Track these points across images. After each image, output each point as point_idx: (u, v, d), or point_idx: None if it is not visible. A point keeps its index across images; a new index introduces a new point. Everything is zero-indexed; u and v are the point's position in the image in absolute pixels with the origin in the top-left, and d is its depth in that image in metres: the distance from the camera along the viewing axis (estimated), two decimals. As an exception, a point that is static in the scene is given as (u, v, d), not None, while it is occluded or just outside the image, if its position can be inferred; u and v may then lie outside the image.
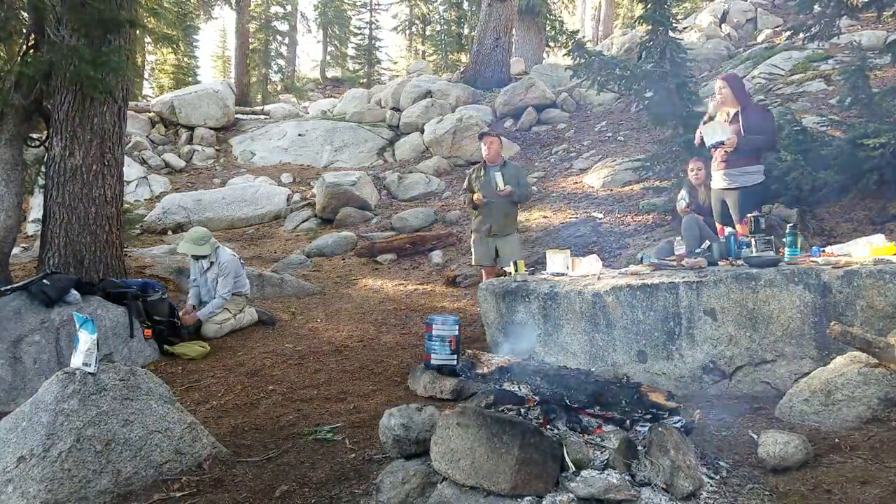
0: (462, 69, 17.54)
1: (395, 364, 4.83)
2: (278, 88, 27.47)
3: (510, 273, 4.89)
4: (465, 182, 6.08)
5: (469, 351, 3.32)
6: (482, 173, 5.84)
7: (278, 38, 28.68)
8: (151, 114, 15.94)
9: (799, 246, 4.04)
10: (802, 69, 10.65)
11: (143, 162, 13.73)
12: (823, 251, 4.14)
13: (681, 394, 3.67)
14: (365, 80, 28.67)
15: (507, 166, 5.85)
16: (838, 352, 3.34)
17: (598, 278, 4.31)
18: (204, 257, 5.77)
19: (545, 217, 8.82)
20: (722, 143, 4.80)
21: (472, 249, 6.00)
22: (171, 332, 5.34)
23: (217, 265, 5.78)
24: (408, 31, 33.80)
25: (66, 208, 5.64)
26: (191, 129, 15.45)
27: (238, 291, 5.84)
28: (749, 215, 4.32)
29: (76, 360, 2.95)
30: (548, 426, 2.66)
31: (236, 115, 16.56)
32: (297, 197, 11.63)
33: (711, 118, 5.04)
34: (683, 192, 5.77)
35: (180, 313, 5.58)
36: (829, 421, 2.98)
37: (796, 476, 2.52)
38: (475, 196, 5.73)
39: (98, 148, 5.72)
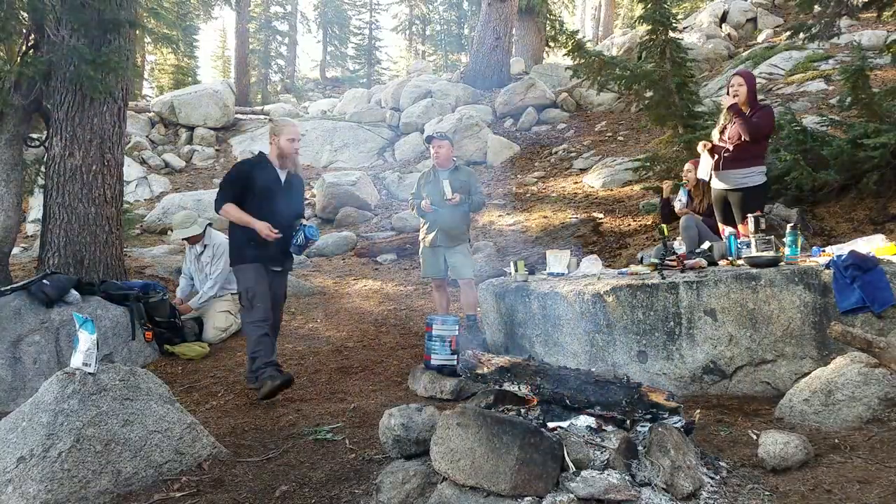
0: (462, 69, 17.54)
1: (395, 364, 4.83)
2: (278, 88, 27.49)
3: (510, 273, 4.89)
4: (415, 187, 5.59)
5: (469, 351, 3.32)
6: (431, 178, 5.40)
7: (278, 38, 28.72)
8: (151, 114, 15.94)
9: (799, 246, 4.04)
10: (802, 69, 10.66)
11: (143, 162, 13.73)
12: (823, 251, 4.14)
13: (681, 394, 3.67)
14: (365, 80, 28.66)
15: (458, 171, 5.37)
16: (839, 352, 3.34)
17: (599, 278, 4.31)
18: (196, 239, 5.65)
19: (545, 217, 8.82)
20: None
21: (420, 261, 5.57)
22: (173, 333, 5.33)
23: (211, 247, 5.68)
24: (408, 31, 33.81)
25: (65, 208, 5.64)
26: (191, 129, 15.45)
27: (232, 289, 5.72)
28: (749, 215, 4.32)
29: (76, 361, 2.94)
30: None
31: (236, 115, 16.57)
32: (296, 197, 11.62)
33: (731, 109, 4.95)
34: (681, 193, 5.78)
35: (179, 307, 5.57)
36: (829, 421, 2.98)
37: (796, 476, 2.52)
38: (423, 203, 5.26)
39: (98, 148, 5.72)
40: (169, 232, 10.41)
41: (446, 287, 5.56)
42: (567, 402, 2.72)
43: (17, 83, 5.47)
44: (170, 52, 22.73)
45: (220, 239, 5.75)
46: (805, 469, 2.56)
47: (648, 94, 7.57)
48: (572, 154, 11.41)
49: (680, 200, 5.72)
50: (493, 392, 3.08)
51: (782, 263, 3.85)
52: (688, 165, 5.76)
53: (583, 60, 7.69)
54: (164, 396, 3.13)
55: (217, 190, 4.32)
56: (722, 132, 4.95)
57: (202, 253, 5.72)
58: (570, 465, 2.37)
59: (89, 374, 2.93)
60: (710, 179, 5.05)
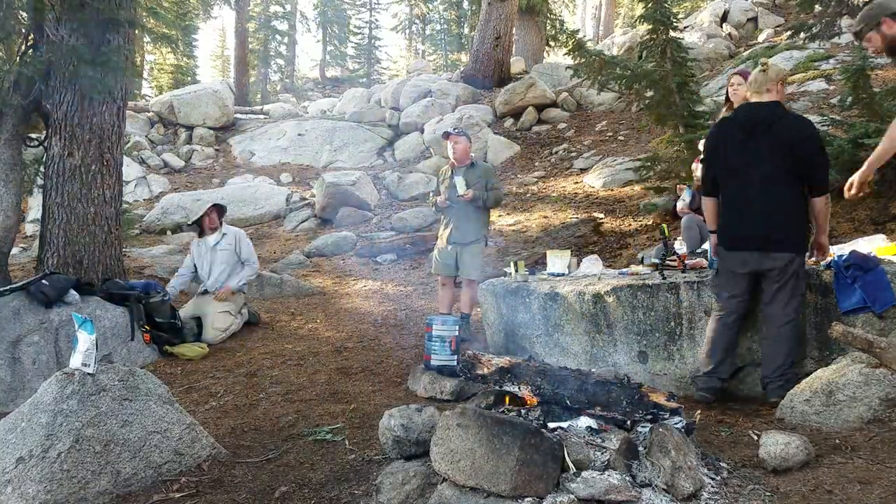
0: (462, 69, 17.53)
1: (395, 364, 4.83)
2: (277, 88, 27.50)
3: (510, 273, 4.88)
4: (434, 183, 5.69)
5: (469, 351, 3.31)
6: (449, 174, 5.41)
7: (277, 37, 28.72)
8: (150, 113, 15.94)
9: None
10: (803, 69, 10.66)
11: (143, 162, 13.73)
12: (824, 251, 4.13)
13: (682, 394, 3.66)
14: (365, 80, 28.67)
15: (474, 167, 5.38)
16: (840, 352, 3.34)
17: (599, 278, 4.30)
18: (213, 223, 5.91)
19: (545, 217, 8.81)
20: None
21: (434, 257, 5.56)
22: (172, 334, 5.33)
23: (233, 235, 5.88)
24: (407, 31, 33.81)
25: (64, 208, 5.63)
26: (190, 128, 15.44)
27: (241, 288, 5.85)
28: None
29: (75, 361, 2.93)
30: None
31: (235, 115, 16.56)
32: (296, 197, 11.63)
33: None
34: (685, 193, 5.76)
35: (215, 295, 5.66)
36: (830, 421, 2.97)
37: (797, 477, 2.51)
38: (438, 198, 5.35)
39: (97, 148, 5.71)
40: (167, 233, 10.40)
41: (453, 286, 5.55)
42: (567, 402, 2.72)
43: (17, 83, 5.46)
44: (169, 51, 22.75)
45: (237, 229, 6.07)
46: (806, 470, 2.55)
47: (649, 93, 7.56)
48: (573, 154, 11.40)
49: (683, 200, 5.71)
50: (494, 393, 3.08)
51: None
52: (695, 164, 5.73)
53: (583, 60, 7.69)
54: (163, 397, 3.13)
55: (822, 158, 3.49)
56: None
57: (217, 243, 5.85)
58: (571, 465, 2.37)
59: (88, 374, 2.92)
60: None
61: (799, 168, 3.39)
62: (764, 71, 3.52)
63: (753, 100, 3.55)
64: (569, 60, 9.00)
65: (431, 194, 5.68)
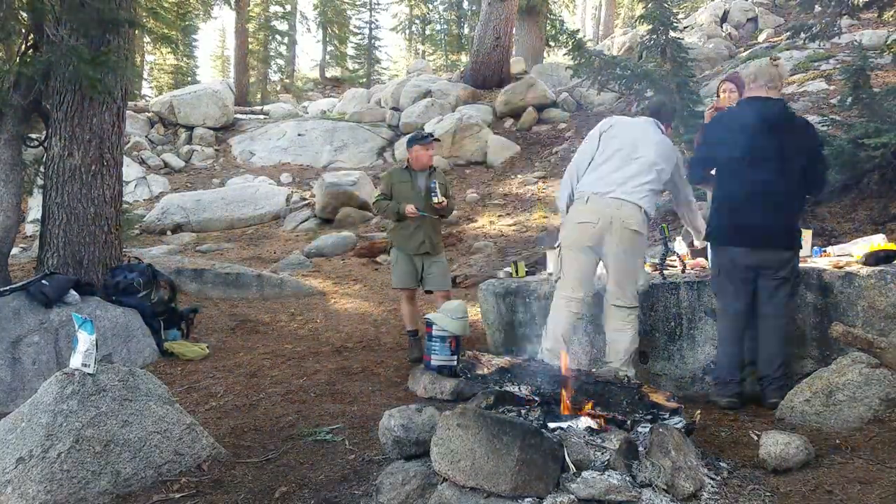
0: (462, 69, 17.53)
1: (395, 364, 4.83)
2: (277, 88, 27.47)
3: (512, 274, 4.88)
4: (382, 185, 5.05)
5: (469, 352, 3.32)
6: (407, 178, 4.83)
7: (277, 37, 28.65)
8: (150, 114, 15.93)
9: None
10: (803, 69, 10.66)
11: (143, 162, 13.73)
12: (825, 251, 4.13)
13: (682, 394, 3.66)
14: (365, 80, 28.67)
15: (435, 173, 4.91)
16: (840, 352, 3.34)
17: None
18: None
19: (545, 217, 8.81)
20: None
21: (393, 269, 5.00)
22: (171, 321, 5.37)
23: None
24: (407, 31, 33.80)
25: (64, 209, 5.62)
26: (190, 129, 15.43)
27: None
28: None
29: (75, 361, 2.94)
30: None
31: (235, 115, 16.54)
32: (296, 197, 11.63)
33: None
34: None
35: None
36: (830, 421, 2.97)
37: (797, 477, 2.52)
38: (409, 207, 4.63)
39: (97, 148, 5.70)
40: (167, 233, 10.39)
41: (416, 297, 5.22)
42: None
43: (17, 83, 5.46)
44: (169, 51, 22.75)
45: None
46: (806, 470, 2.55)
47: (649, 93, 7.56)
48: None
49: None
50: (494, 393, 3.08)
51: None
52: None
53: (583, 60, 7.69)
54: (163, 397, 3.13)
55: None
56: None
57: None
58: (571, 465, 2.37)
59: (88, 374, 2.92)
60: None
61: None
62: (776, 66, 3.50)
63: (762, 94, 3.45)
64: (569, 60, 8.99)
65: (381, 198, 4.91)
